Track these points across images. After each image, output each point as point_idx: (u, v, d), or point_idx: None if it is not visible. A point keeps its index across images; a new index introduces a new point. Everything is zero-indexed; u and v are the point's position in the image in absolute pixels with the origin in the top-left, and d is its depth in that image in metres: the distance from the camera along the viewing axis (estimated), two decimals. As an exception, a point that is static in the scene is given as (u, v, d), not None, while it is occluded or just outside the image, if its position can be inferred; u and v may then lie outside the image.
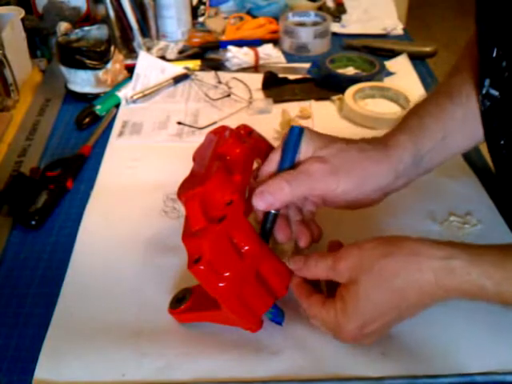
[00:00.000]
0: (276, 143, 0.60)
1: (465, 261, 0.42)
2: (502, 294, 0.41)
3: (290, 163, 0.51)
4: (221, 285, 0.47)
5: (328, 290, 0.50)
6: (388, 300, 0.45)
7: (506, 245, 0.43)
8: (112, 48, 0.92)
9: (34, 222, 0.66)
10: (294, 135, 0.51)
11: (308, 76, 0.97)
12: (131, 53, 1.03)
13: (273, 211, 0.51)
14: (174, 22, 1.08)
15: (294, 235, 0.53)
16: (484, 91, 0.54)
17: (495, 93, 0.53)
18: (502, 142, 0.54)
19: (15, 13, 0.97)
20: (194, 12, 1.14)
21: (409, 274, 0.43)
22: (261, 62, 1.02)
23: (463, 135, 0.56)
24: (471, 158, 0.76)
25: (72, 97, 0.92)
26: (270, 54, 1.03)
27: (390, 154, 0.52)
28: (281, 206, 0.50)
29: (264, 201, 0.49)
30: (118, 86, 0.93)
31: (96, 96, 0.91)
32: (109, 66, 0.91)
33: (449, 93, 0.56)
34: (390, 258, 0.44)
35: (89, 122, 0.85)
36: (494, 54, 0.51)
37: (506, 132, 0.54)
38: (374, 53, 1.03)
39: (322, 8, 1.19)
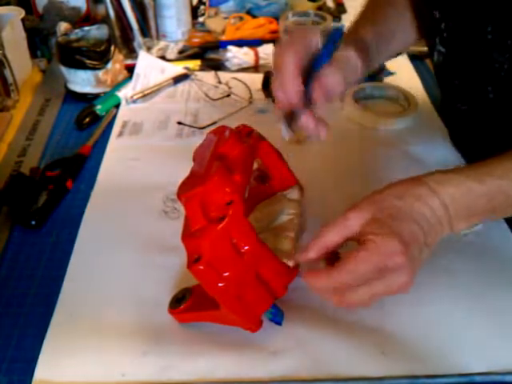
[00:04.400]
0: (276, 143, 0.60)
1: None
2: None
3: (330, 58, 0.54)
4: (220, 285, 0.47)
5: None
6: (405, 209, 0.47)
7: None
8: (112, 48, 0.92)
9: (34, 222, 0.66)
10: (337, 35, 0.54)
11: (308, 76, 0.97)
12: (131, 53, 1.03)
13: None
14: (174, 22, 1.08)
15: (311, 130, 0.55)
16: (436, 48, 0.63)
17: (442, 49, 0.62)
18: (453, 93, 0.64)
19: (15, 13, 0.96)
20: (194, 12, 1.14)
21: (410, 189, 0.48)
22: (261, 61, 1.02)
23: (402, 38, 0.68)
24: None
25: (72, 97, 0.92)
26: (270, 53, 1.03)
27: (365, 48, 0.60)
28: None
29: (325, 95, 0.52)
30: (118, 85, 0.93)
31: (96, 96, 0.91)
32: (109, 65, 0.91)
33: (391, 3, 0.68)
34: (396, 183, 0.49)
35: (89, 122, 0.85)
36: (437, 16, 0.61)
37: (453, 85, 0.63)
38: (373, 53, 1.03)
39: (322, 8, 1.18)
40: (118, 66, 0.93)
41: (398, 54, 0.71)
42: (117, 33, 1.01)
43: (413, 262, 0.45)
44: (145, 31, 1.05)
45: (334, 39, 0.53)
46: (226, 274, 0.47)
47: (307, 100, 0.53)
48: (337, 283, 0.46)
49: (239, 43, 1.03)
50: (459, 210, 0.48)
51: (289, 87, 0.52)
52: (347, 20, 1.19)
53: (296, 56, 0.52)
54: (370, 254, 0.45)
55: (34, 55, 1.04)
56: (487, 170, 0.49)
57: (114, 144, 0.81)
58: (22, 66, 0.96)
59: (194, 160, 0.56)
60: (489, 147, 0.50)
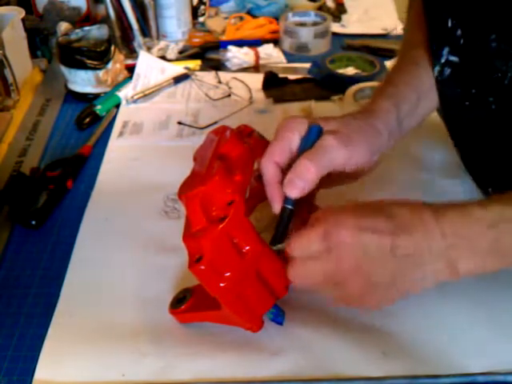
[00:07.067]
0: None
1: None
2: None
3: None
4: (221, 285, 0.47)
5: None
6: (387, 210, 0.46)
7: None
8: (112, 48, 0.92)
9: (34, 222, 0.66)
10: (313, 135, 0.51)
11: (308, 76, 0.97)
12: (131, 53, 1.03)
13: (289, 207, 0.50)
14: (174, 22, 1.08)
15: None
16: (443, 60, 0.59)
17: (455, 59, 0.58)
18: (467, 103, 0.59)
19: (15, 13, 0.96)
20: (194, 12, 1.14)
21: (412, 206, 0.46)
22: (261, 61, 1.02)
23: (432, 97, 0.62)
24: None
25: (72, 97, 0.92)
26: (271, 53, 1.03)
27: (379, 118, 0.55)
28: (310, 188, 0.50)
29: (296, 187, 0.49)
30: (119, 85, 0.93)
31: (96, 96, 0.91)
32: (109, 65, 0.91)
33: (415, 62, 0.62)
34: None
35: (89, 122, 0.85)
36: (450, 24, 0.57)
37: (469, 94, 0.58)
38: (374, 53, 1.03)
39: (321, 8, 1.18)
40: (118, 65, 0.93)
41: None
42: (117, 33, 1.01)
43: (364, 250, 0.44)
44: (145, 31, 1.05)
45: (310, 138, 0.51)
46: (227, 274, 0.47)
47: (292, 204, 0.51)
48: (290, 248, 0.47)
49: (239, 43, 1.03)
50: (458, 240, 0.44)
51: (269, 194, 0.52)
52: (347, 20, 1.19)
53: (273, 164, 0.51)
54: (321, 223, 0.46)
55: (34, 55, 1.04)
56: (495, 197, 0.46)
57: (114, 144, 0.81)
58: (22, 65, 0.96)
59: (194, 160, 0.56)
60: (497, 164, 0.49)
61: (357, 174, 0.54)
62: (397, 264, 0.45)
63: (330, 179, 0.52)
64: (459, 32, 0.57)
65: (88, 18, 1.11)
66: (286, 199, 0.50)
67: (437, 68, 0.60)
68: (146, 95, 0.91)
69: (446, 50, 0.59)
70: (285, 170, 0.52)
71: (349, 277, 0.45)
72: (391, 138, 0.56)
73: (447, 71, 0.60)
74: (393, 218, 0.45)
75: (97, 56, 0.89)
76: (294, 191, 0.49)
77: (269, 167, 0.51)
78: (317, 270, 0.47)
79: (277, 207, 0.51)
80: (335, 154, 0.50)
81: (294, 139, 0.52)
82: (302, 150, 0.51)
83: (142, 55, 0.99)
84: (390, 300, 0.48)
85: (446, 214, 0.45)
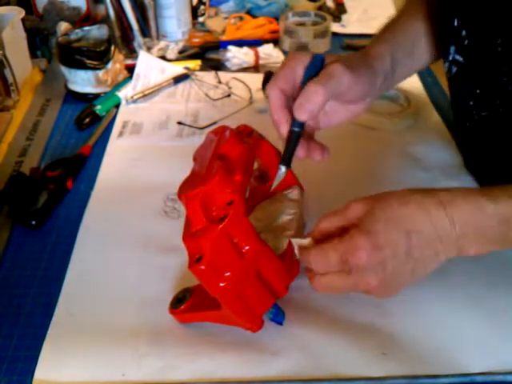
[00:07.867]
0: (276, 143, 0.60)
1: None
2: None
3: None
4: (221, 284, 0.47)
5: None
6: (402, 216, 0.46)
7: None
8: (112, 48, 0.92)
9: (34, 222, 0.66)
10: (317, 62, 0.53)
11: (308, 76, 0.97)
12: (131, 53, 1.03)
13: (297, 129, 0.51)
14: (174, 22, 1.08)
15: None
16: (450, 58, 0.60)
17: (460, 58, 0.60)
18: (471, 103, 0.60)
19: (15, 13, 0.96)
20: (194, 12, 1.14)
21: (418, 199, 0.46)
22: (261, 61, 1.02)
23: (426, 50, 0.64)
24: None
25: (72, 97, 0.92)
26: (270, 53, 1.03)
27: (376, 60, 0.58)
28: (318, 111, 0.51)
29: (305, 110, 0.50)
30: (118, 85, 0.93)
31: (96, 96, 0.91)
32: (109, 65, 0.91)
33: (413, 14, 0.64)
34: (408, 190, 0.48)
35: (89, 122, 0.85)
36: (455, 24, 0.58)
37: (474, 94, 0.60)
38: (373, 53, 1.03)
39: (321, 8, 1.19)
40: (118, 65, 0.93)
41: (425, 65, 0.66)
42: (117, 33, 1.01)
43: (383, 266, 0.45)
44: (145, 31, 1.05)
45: (314, 67, 0.53)
46: (227, 274, 0.47)
47: (299, 126, 0.52)
48: (309, 263, 0.47)
49: (239, 43, 1.03)
50: (467, 228, 0.45)
51: (275, 117, 0.53)
52: (347, 20, 1.19)
53: (278, 90, 0.53)
54: (338, 244, 0.46)
55: (34, 55, 1.04)
56: (505, 191, 0.46)
57: (114, 144, 0.81)
58: (22, 65, 0.96)
59: (194, 160, 0.56)
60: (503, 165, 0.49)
61: (353, 110, 0.56)
62: (414, 261, 0.46)
63: (329, 114, 0.55)
64: (464, 33, 0.58)
65: (88, 18, 1.11)
66: (293, 122, 0.51)
67: (446, 64, 0.61)
68: (146, 95, 0.91)
69: (452, 49, 0.60)
70: (289, 97, 0.53)
71: (372, 287, 0.46)
72: (385, 82, 0.58)
73: (454, 69, 0.61)
74: (402, 222, 0.45)
75: (97, 56, 0.89)
76: (304, 114, 0.50)
77: (273, 93, 0.53)
78: (340, 286, 0.47)
79: (283, 130, 0.52)
80: (342, 79, 0.51)
81: (298, 68, 0.53)
82: (306, 76, 0.53)
83: (142, 55, 0.99)
84: (408, 285, 0.49)
85: (453, 203, 0.46)
